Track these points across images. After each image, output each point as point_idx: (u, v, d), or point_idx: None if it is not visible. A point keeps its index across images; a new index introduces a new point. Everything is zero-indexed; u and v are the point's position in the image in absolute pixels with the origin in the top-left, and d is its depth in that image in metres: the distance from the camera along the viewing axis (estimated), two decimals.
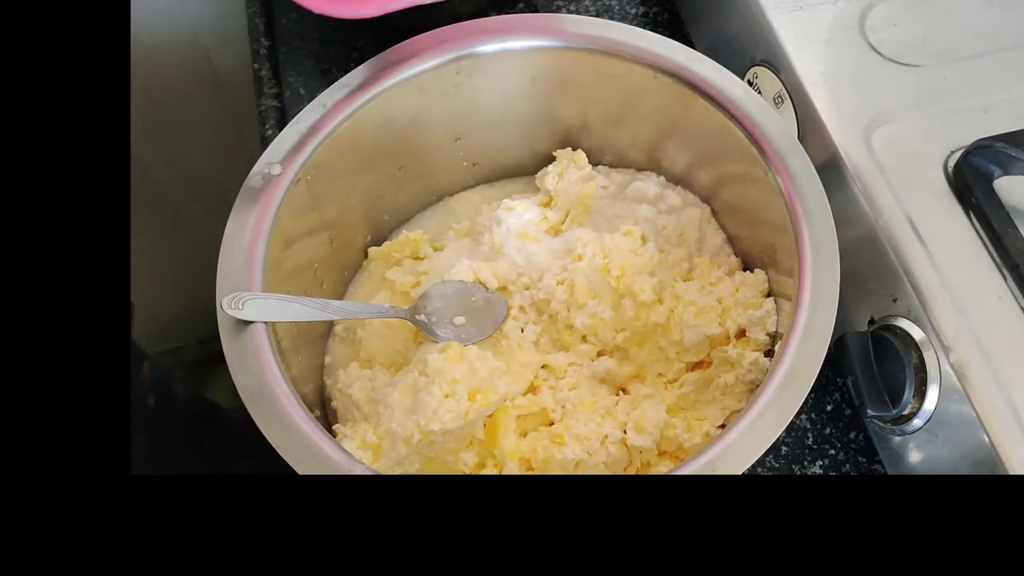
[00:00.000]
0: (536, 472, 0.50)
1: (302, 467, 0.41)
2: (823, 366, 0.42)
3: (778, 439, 0.41)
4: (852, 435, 0.56)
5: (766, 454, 0.50)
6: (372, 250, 0.61)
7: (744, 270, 0.57)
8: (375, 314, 0.54)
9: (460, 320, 0.54)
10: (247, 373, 0.43)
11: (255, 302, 0.45)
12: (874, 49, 0.57)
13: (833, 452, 0.56)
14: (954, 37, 0.57)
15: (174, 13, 0.93)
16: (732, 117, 0.51)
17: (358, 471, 0.41)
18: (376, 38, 0.58)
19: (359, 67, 0.53)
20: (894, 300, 0.49)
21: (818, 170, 0.48)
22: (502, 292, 0.57)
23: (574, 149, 0.61)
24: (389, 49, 0.54)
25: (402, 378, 0.50)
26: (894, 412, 0.47)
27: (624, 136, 0.61)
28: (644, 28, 0.54)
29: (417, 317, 0.54)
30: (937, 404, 0.46)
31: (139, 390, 0.60)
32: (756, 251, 0.56)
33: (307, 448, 0.41)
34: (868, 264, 0.50)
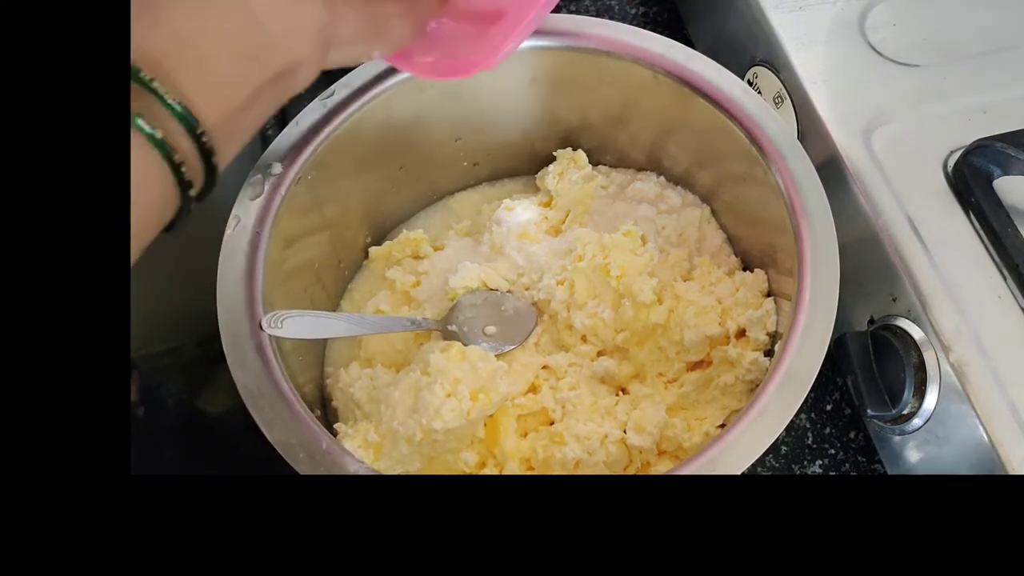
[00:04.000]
0: (536, 472, 0.50)
1: (303, 467, 0.41)
2: (823, 366, 0.42)
3: (778, 439, 0.41)
4: (852, 435, 0.56)
5: (766, 454, 0.50)
6: (372, 250, 0.61)
7: (744, 270, 0.57)
8: (410, 327, 0.54)
9: (492, 330, 0.55)
10: (247, 372, 0.43)
11: (294, 320, 0.45)
12: (874, 49, 0.57)
13: (833, 452, 0.56)
14: (954, 37, 0.57)
15: None
16: (732, 117, 0.51)
17: (359, 471, 0.41)
18: None
19: (359, 67, 0.53)
20: (894, 300, 0.49)
21: (818, 170, 0.48)
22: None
23: (574, 149, 0.61)
24: None
25: (404, 377, 0.50)
26: (894, 412, 0.47)
27: (624, 136, 0.61)
28: (644, 28, 0.54)
29: (449, 328, 0.54)
30: (937, 404, 0.46)
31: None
32: (756, 251, 0.56)
33: (308, 447, 0.41)
34: (868, 264, 0.50)
